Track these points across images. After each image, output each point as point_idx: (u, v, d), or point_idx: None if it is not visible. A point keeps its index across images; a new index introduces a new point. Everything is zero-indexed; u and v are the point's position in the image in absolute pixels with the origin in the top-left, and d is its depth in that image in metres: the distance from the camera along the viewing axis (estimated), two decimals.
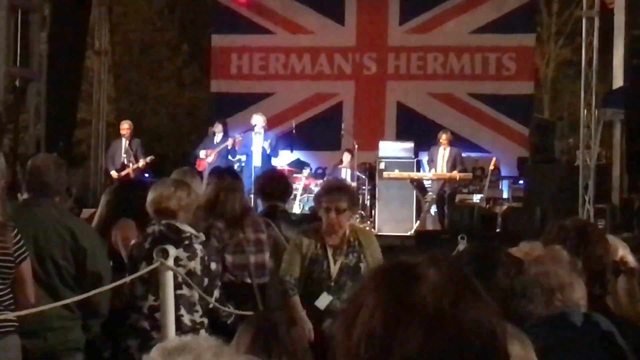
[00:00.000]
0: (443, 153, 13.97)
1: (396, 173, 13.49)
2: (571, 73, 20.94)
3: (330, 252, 5.42)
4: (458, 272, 1.39)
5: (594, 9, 14.05)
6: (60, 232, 4.91)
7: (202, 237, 5.07)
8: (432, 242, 11.90)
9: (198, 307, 4.91)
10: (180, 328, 4.67)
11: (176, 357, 1.52)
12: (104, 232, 5.55)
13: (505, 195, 15.51)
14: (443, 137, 14.02)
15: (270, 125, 14.56)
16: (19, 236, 4.51)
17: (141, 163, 14.14)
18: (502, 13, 16.52)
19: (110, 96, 18.46)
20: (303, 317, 5.38)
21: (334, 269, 5.40)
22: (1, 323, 4.41)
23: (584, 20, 14.22)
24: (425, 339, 1.30)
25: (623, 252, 3.85)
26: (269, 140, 13.56)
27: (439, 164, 13.97)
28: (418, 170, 14.04)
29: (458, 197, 14.13)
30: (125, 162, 14.21)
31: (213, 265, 5.02)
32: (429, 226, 13.61)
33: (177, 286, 4.73)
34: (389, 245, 11.82)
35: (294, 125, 15.13)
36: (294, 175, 14.11)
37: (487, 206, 14.11)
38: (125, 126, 14.53)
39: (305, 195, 13.96)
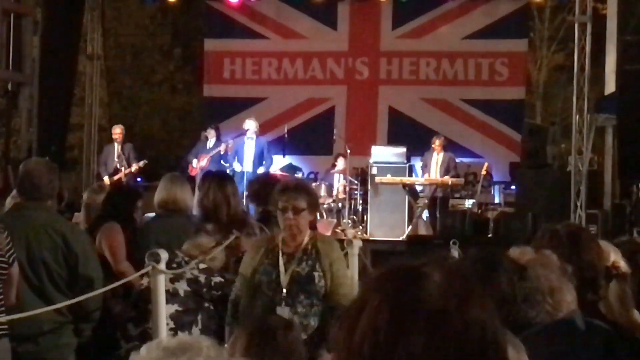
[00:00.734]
0: (437, 158, 14.02)
1: (388, 178, 13.48)
2: (563, 79, 20.99)
3: (282, 261, 4.92)
4: (461, 273, 1.41)
5: (586, 14, 14.08)
6: (52, 236, 4.90)
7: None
8: (424, 247, 11.90)
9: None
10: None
11: (180, 356, 1.52)
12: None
13: (497, 201, 15.49)
14: (436, 143, 14.07)
15: (262, 130, 14.56)
16: (9, 238, 4.51)
17: (134, 167, 14.13)
18: (494, 19, 16.52)
19: (102, 100, 18.42)
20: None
21: (284, 279, 4.87)
22: None
23: (576, 26, 14.24)
24: (429, 337, 1.32)
25: (615, 257, 3.85)
26: (261, 149, 13.68)
27: (432, 169, 14.01)
28: (410, 175, 14.02)
29: (450, 202, 14.13)
30: (118, 167, 14.19)
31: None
32: (421, 231, 13.60)
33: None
34: (381, 250, 11.89)
35: (286, 130, 15.13)
36: None
37: (479, 211, 14.09)
38: (118, 131, 14.52)
39: None
